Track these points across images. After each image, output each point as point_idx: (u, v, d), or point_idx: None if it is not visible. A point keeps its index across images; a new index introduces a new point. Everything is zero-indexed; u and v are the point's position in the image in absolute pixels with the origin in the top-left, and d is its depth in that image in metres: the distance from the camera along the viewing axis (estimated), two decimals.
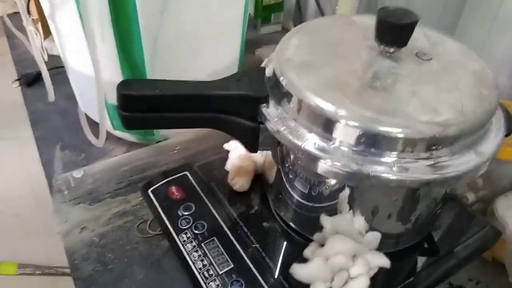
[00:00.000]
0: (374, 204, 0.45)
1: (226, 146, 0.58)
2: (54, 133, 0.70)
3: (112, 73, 0.55)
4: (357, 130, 0.37)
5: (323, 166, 0.37)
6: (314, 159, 0.38)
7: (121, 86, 0.42)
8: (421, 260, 0.50)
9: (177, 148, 0.65)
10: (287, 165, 0.47)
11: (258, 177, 0.55)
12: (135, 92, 0.42)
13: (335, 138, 0.38)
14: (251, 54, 0.92)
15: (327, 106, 0.38)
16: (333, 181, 0.43)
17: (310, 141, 0.38)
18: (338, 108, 0.37)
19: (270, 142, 0.48)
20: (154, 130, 0.64)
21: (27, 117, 0.74)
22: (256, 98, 0.42)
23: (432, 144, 0.37)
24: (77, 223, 0.56)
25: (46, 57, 0.81)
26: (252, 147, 0.45)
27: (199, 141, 0.66)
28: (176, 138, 0.66)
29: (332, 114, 0.37)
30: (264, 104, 0.42)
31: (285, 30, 1.06)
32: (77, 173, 0.59)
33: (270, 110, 0.42)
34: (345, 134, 0.37)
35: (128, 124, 0.44)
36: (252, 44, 0.92)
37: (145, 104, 0.43)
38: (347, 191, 0.44)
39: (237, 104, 0.43)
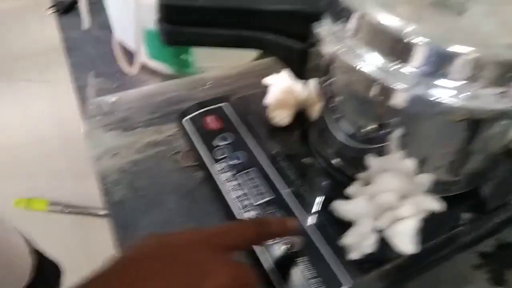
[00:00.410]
0: (429, 143, 0.41)
1: (266, 80, 0.55)
2: (88, 61, 0.68)
3: None
4: (424, 49, 0.32)
5: (382, 89, 0.34)
6: (373, 81, 0.34)
7: None
8: (469, 212, 0.46)
9: (212, 82, 0.62)
10: (334, 100, 0.43)
11: (299, 114, 0.52)
12: (176, 2, 0.39)
13: (398, 59, 0.34)
14: None
15: (392, 22, 0.33)
16: (386, 116, 0.40)
17: (370, 62, 0.34)
18: (404, 24, 0.33)
19: (318, 72, 0.44)
20: (190, 62, 0.61)
21: (60, 60, 0.72)
22: (309, 14, 0.38)
23: (509, 70, 0.32)
24: (110, 149, 0.54)
25: None
26: (299, 72, 0.42)
27: (236, 77, 0.63)
28: (213, 73, 0.63)
29: (397, 31, 0.33)
30: (317, 22, 0.38)
31: None
32: (112, 98, 0.57)
33: (324, 29, 0.38)
34: (410, 53, 0.33)
35: (167, 38, 0.41)
36: None
37: (186, 16, 0.40)
38: (399, 130, 0.40)
39: (287, 21, 0.39)
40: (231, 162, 0.47)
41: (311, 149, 0.49)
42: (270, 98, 0.51)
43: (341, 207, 0.41)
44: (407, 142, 0.41)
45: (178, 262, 0.27)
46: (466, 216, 0.45)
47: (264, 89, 0.55)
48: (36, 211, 1.38)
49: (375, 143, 0.43)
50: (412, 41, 0.33)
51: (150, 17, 0.51)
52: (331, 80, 0.43)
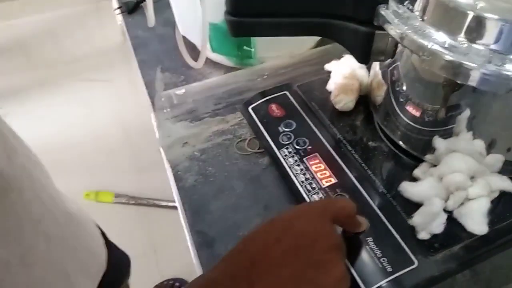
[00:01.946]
0: (498, 124, 0.41)
1: (328, 66, 0.56)
2: (154, 57, 0.72)
3: None
4: (496, 25, 0.32)
5: (453, 67, 0.34)
6: (443, 60, 0.34)
7: None
8: None
9: (273, 72, 0.63)
10: (400, 82, 0.44)
11: (362, 98, 0.52)
12: None
13: (468, 36, 0.34)
14: None
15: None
16: (453, 97, 0.40)
17: (440, 41, 0.34)
18: (474, 1, 0.33)
19: (383, 54, 0.44)
20: (251, 53, 0.63)
21: (120, 59, 0.76)
22: None
23: None
24: (179, 138, 0.57)
25: None
26: (363, 56, 0.42)
27: (296, 65, 0.64)
28: (272, 62, 0.65)
29: (468, 7, 0.33)
30: (383, 5, 0.38)
31: None
32: (179, 90, 0.60)
33: (390, 11, 0.38)
34: (482, 30, 0.33)
35: (235, 29, 0.43)
36: None
37: (253, 7, 0.42)
38: (467, 111, 0.40)
39: (351, 6, 0.40)
40: (297, 147, 0.48)
41: (375, 133, 0.49)
42: (333, 84, 0.52)
43: (410, 188, 0.42)
44: (476, 123, 0.41)
45: (301, 250, 0.31)
46: None
47: (324, 76, 0.56)
48: (104, 203, 1.47)
49: (442, 125, 0.43)
50: (483, 17, 0.32)
51: (214, 11, 0.54)
52: (397, 62, 0.43)
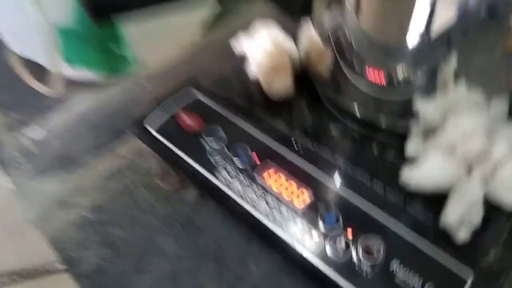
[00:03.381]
0: (486, 71, 0.31)
1: (237, 45, 0.41)
2: None
3: None
4: None
5: None
6: None
7: None
8: None
9: (165, 72, 0.47)
10: (351, 41, 0.31)
11: (298, 77, 0.39)
12: None
13: None
14: None
15: None
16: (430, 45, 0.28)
17: None
18: None
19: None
20: (126, 54, 0.46)
21: None
22: None
23: None
24: (55, 201, 0.38)
25: None
26: (303, 4, 0.29)
27: (193, 53, 0.48)
28: (161, 60, 0.48)
29: None
30: None
31: None
32: (35, 134, 0.40)
33: None
34: None
35: (95, 9, 0.26)
36: None
37: None
38: (452, 60, 0.30)
39: None
40: (235, 164, 0.33)
41: (333, 116, 0.36)
42: (256, 68, 0.38)
43: (416, 175, 0.29)
44: (463, 71, 0.30)
45: None
46: None
47: (236, 58, 0.42)
48: None
49: (421, 86, 0.32)
50: None
51: (57, 7, 0.36)
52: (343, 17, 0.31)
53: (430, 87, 0.32)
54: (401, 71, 0.32)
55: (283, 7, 0.31)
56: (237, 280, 0.32)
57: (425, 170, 0.29)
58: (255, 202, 0.31)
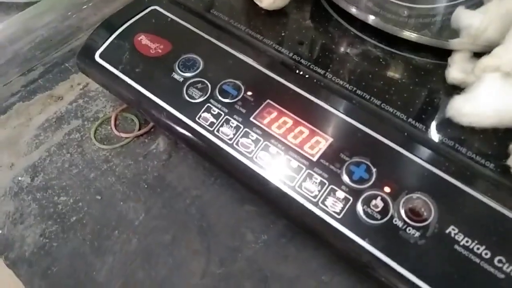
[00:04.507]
0: None
1: None
2: None
3: None
4: None
5: None
6: None
7: None
8: None
9: None
10: None
11: None
12: None
13: None
14: None
15: None
16: None
17: None
18: None
19: None
20: None
21: None
22: None
23: None
24: None
25: None
26: None
27: None
28: None
29: None
30: None
31: None
32: None
33: None
34: None
35: None
36: None
37: None
38: None
39: None
40: (223, 107, 0.24)
41: (343, 25, 0.27)
42: None
43: (469, 108, 0.22)
44: None
45: None
46: None
47: None
48: None
49: None
50: None
51: None
52: None
53: None
54: None
55: None
56: (230, 255, 0.24)
57: (481, 98, 0.22)
58: (254, 156, 0.22)
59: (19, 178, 0.28)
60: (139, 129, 0.29)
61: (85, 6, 0.35)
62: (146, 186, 0.27)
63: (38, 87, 0.32)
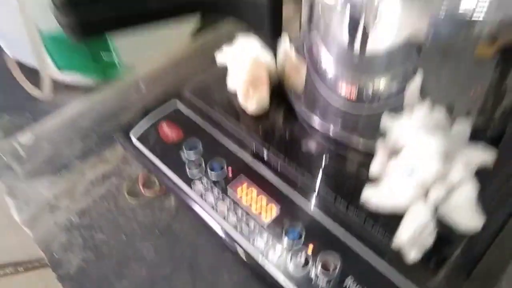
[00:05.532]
0: (454, 87, 0.32)
1: (220, 58, 0.43)
2: None
3: None
4: None
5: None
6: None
7: None
8: None
9: (151, 78, 0.49)
10: (323, 56, 0.33)
11: (275, 89, 0.40)
12: None
13: None
14: None
15: None
16: (397, 59, 0.30)
17: None
18: None
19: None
20: (115, 59, 0.48)
21: None
22: None
23: None
24: (44, 203, 0.40)
25: None
26: (274, 29, 0.30)
27: (177, 65, 0.50)
28: (148, 66, 0.50)
29: None
30: None
31: None
32: (26, 138, 0.42)
33: None
34: None
35: (75, 30, 0.28)
36: None
37: None
38: (419, 76, 0.31)
39: None
40: (211, 178, 0.35)
41: (306, 128, 0.38)
42: (234, 81, 0.39)
43: (375, 195, 0.31)
44: (428, 89, 0.31)
45: None
46: None
47: (219, 70, 0.43)
48: None
49: (389, 101, 0.33)
50: None
51: (42, 14, 0.38)
52: (315, 30, 0.32)
53: (398, 105, 0.33)
54: (370, 88, 0.33)
55: (255, 29, 0.32)
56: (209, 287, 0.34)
57: (384, 190, 0.31)
58: (225, 214, 0.33)
59: (72, 218, 0.39)
60: (159, 189, 0.40)
61: (136, 91, 0.48)
62: (157, 231, 0.38)
63: (91, 151, 0.44)
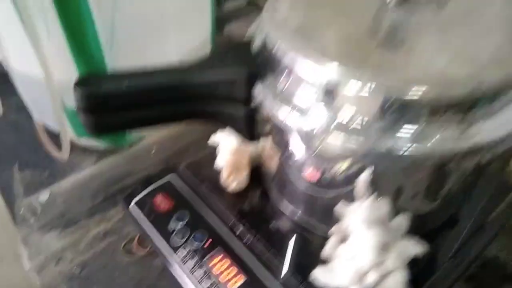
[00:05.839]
0: (399, 184, 0.39)
1: (212, 141, 0.51)
2: (8, 151, 0.60)
3: (66, 71, 0.46)
4: (377, 99, 0.30)
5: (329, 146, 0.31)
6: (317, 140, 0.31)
7: (80, 82, 0.34)
8: (455, 239, 0.44)
9: (154, 149, 0.56)
10: (289, 149, 0.40)
11: (255, 170, 0.48)
12: (97, 88, 0.34)
13: (344, 113, 0.31)
14: (219, 33, 0.84)
15: (334, 75, 0.31)
16: (345, 164, 0.37)
17: (312, 120, 0.31)
18: (347, 76, 0.30)
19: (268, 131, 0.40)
20: (126, 132, 0.56)
21: None
22: (248, 77, 0.34)
23: (466, 105, 0.30)
24: (52, 254, 0.47)
25: None
26: (250, 134, 0.38)
27: (179, 137, 0.58)
28: (152, 138, 0.58)
29: (340, 85, 0.30)
30: (258, 83, 0.35)
31: (251, 3, 0.98)
32: (43, 196, 0.50)
33: (263, 89, 0.34)
34: (357, 106, 0.30)
35: (93, 128, 0.36)
36: (217, 23, 0.83)
37: (111, 101, 0.35)
38: (364, 174, 0.37)
39: (225, 89, 0.35)
40: (192, 247, 0.41)
41: (276, 210, 0.45)
42: (220, 162, 0.47)
43: (322, 276, 0.37)
44: (377, 181, 0.38)
45: None
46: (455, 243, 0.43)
47: (212, 148, 0.51)
48: None
49: (342, 188, 0.40)
50: (357, 94, 0.30)
51: (68, 94, 0.46)
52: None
53: (350, 195, 0.39)
54: (328, 176, 0.39)
55: (237, 132, 0.40)
56: None
57: (331, 271, 0.37)
58: (201, 282, 0.39)
59: (73, 269, 0.46)
60: (150, 248, 0.47)
61: (141, 159, 0.56)
62: (145, 286, 0.44)
63: (97, 209, 0.52)
